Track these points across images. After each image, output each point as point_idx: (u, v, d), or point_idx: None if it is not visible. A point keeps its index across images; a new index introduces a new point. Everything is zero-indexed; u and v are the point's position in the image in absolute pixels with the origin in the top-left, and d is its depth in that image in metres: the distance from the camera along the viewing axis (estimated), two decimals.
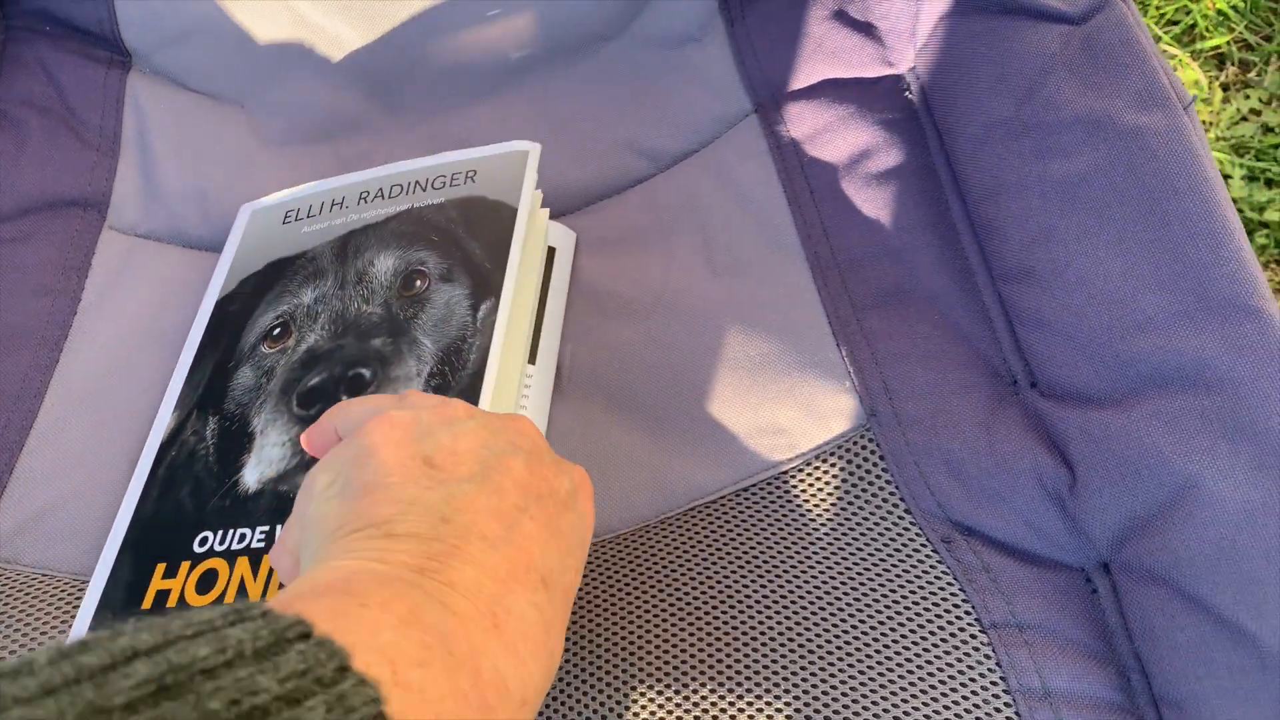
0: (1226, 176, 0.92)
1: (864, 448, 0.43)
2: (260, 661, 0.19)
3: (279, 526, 0.41)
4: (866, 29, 0.52)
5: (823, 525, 0.42)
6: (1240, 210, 0.90)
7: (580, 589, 0.44)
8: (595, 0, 0.58)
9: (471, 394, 0.42)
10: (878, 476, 0.42)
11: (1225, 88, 0.98)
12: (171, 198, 0.58)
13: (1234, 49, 0.99)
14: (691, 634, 0.40)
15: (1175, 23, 1.01)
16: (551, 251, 0.53)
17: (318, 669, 0.20)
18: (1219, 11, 1.00)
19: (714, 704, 0.38)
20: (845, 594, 0.40)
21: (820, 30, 0.54)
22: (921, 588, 0.39)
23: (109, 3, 0.59)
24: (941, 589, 0.39)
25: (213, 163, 0.59)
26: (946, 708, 0.36)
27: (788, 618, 0.40)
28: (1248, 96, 0.96)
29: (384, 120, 0.60)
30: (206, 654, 0.19)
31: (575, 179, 0.57)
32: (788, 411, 0.45)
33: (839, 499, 0.43)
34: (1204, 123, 0.96)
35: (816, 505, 0.43)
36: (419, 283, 0.47)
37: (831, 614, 0.39)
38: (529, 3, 0.59)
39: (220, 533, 0.42)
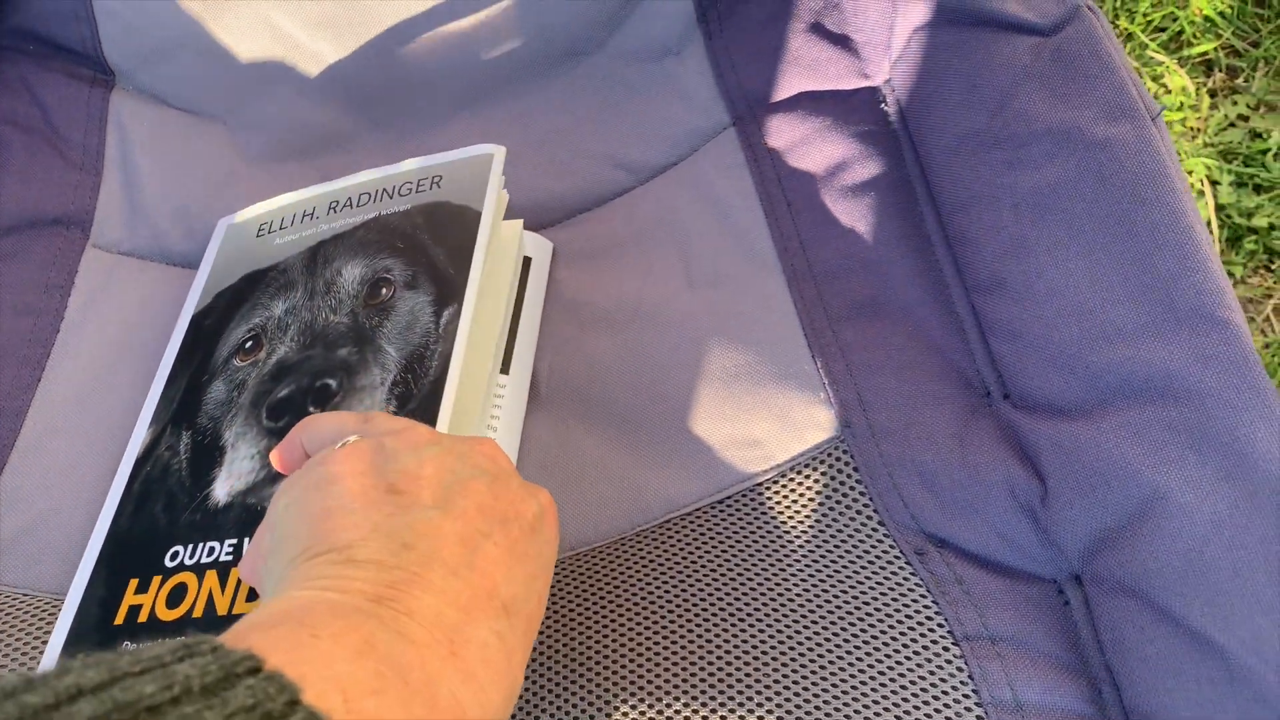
0: (1214, 182, 0.92)
1: (838, 459, 0.43)
2: (208, 698, 0.19)
3: (247, 540, 0.41)
4: (843, 41, 0.52)
5: (798, 537, 0.42)
6: (1229, 216, 0.90)
7: (554, 602, 0.44)
8: (575, 15, 0.58)
9: (433, 401, 0.42)
10: (851, 488, 0.42)
11: (1213, 94, 0.98)
12: (154, 215, 0.58)
13: (1221, 55, 0.99)
14: (666, 647, 0.40)
15: (1163, 29, 1.01)
16: (527, 262, 0.53)
17: (267, 703, 0.20)
18: (1206, 18, 1.00)
19: (688, 717, 0.38)
20: (820, 605, 0.40)
21: (797, 43, 0.54)
22: (895, 599, 0.39)
23: (91, 21, 0.60)
24: (914, 600, 0.39)
25: (195, 179, 0.59)
26: None
27: (763, 630, 0.40)
28: (1235, 103, 0.96)
29: (366, 135, 0.61)
30: (153, 691, 0.19)
31: (555, 192, 0.57)
32: (763, 423, 0.45)
33: (814, 510, 0.43)
34: (1191, 129, 0.96)
35: (792, 517, 0.43)
36: (384, 290, 0.47)
37: (806, 625, 0.39)
38: (509, 17, 0.59)
39: (190, 546, 0.42)
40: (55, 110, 0.59)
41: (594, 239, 0.55)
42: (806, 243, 0.49)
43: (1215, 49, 0.99)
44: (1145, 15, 1.01)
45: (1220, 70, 0.99)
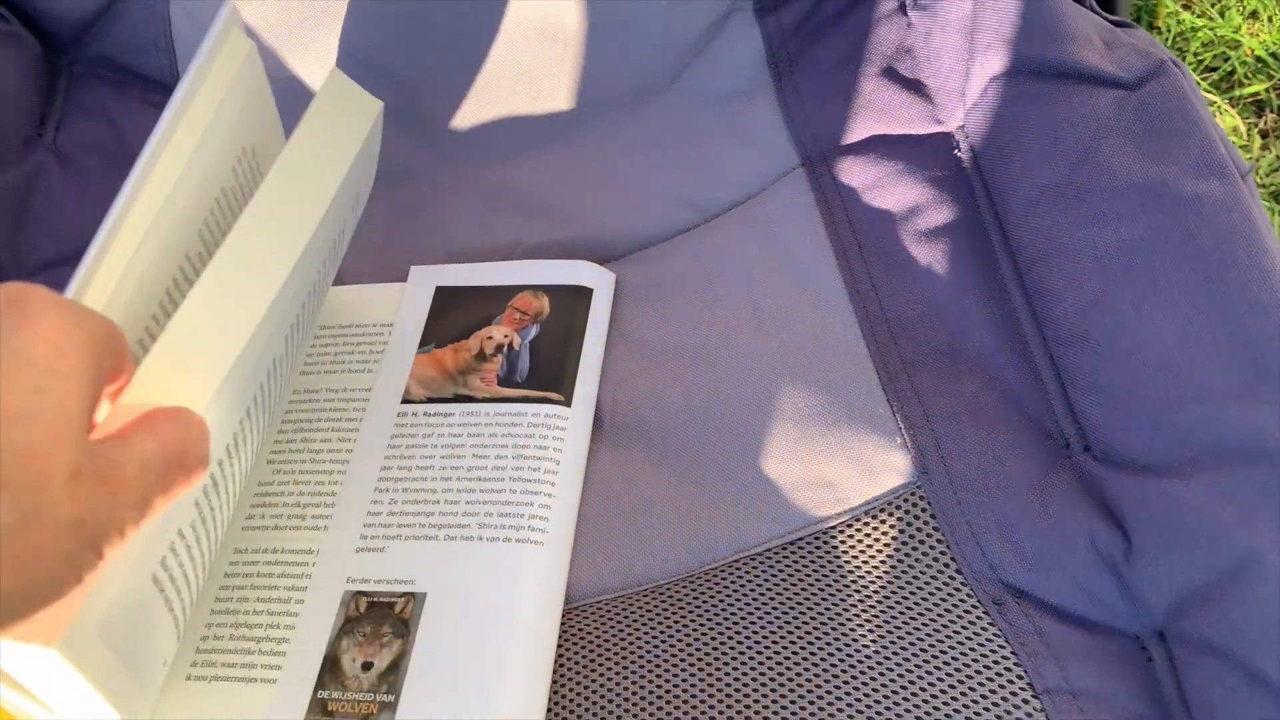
0: None
1: (915, 505, 0.43)
2: None
3: None
4: (915, 86, 0.53)
5: (872, 582, 0.43)
6: None
7: (619, 637, 0.44)
8: (644, 54, 0.59)
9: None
10: (928, 535, 0.43)
11: (1264, 134, 0.98)
12: None
13: (1273, 96, 0.99)
14: (731, 688, 0.40)
15: (1213, 69, 1.01)
16: (588, 293, 0.54)
17: None
18: (1258, 58, 1.00)
19: None
20: (894, 653, 0.40)
21: (869, 87, 0.54)
22: (972, 650, 0.39)
23: (170, 52, 0.61)
24: (993, 651, 0.39)
25: None
26: None
27: (834, 675, 0.40)
28: None
29: (436, 169, 0.61)
30: None
31: (619, 227, 0.57)
32: (837, 465, 0.45)
33: (889, 556, 0.43)
34: None
35: (866, 561, 0.43)
36: None
37: (880, 674, 0.40)
38: (580, 55, 0.60)
39: None
40: (133, 136, 0.61)
41: (659, 275, 0.55)
42: (879, 286, 0.50)
43: (1267, 89, 0.99)
44: (1196, 54, 1.01)
45: (1272, 111, 0.99)
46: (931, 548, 0.42)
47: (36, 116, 0.60)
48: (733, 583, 0.45)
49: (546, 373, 0.51)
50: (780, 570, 0.44)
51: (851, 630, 0.41)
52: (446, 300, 0.55)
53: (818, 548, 0.44)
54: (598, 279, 0.54)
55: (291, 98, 0.61)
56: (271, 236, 0.38)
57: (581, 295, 0.53)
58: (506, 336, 0.53)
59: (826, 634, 0.42)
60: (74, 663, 0.29)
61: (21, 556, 0.22)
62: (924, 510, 0.43)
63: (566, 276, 0.55)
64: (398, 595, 0.45)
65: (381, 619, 0.44)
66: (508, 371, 0.51)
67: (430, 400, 0.51)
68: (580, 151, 0.60)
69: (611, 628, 0.45)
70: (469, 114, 0.62)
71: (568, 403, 0.50)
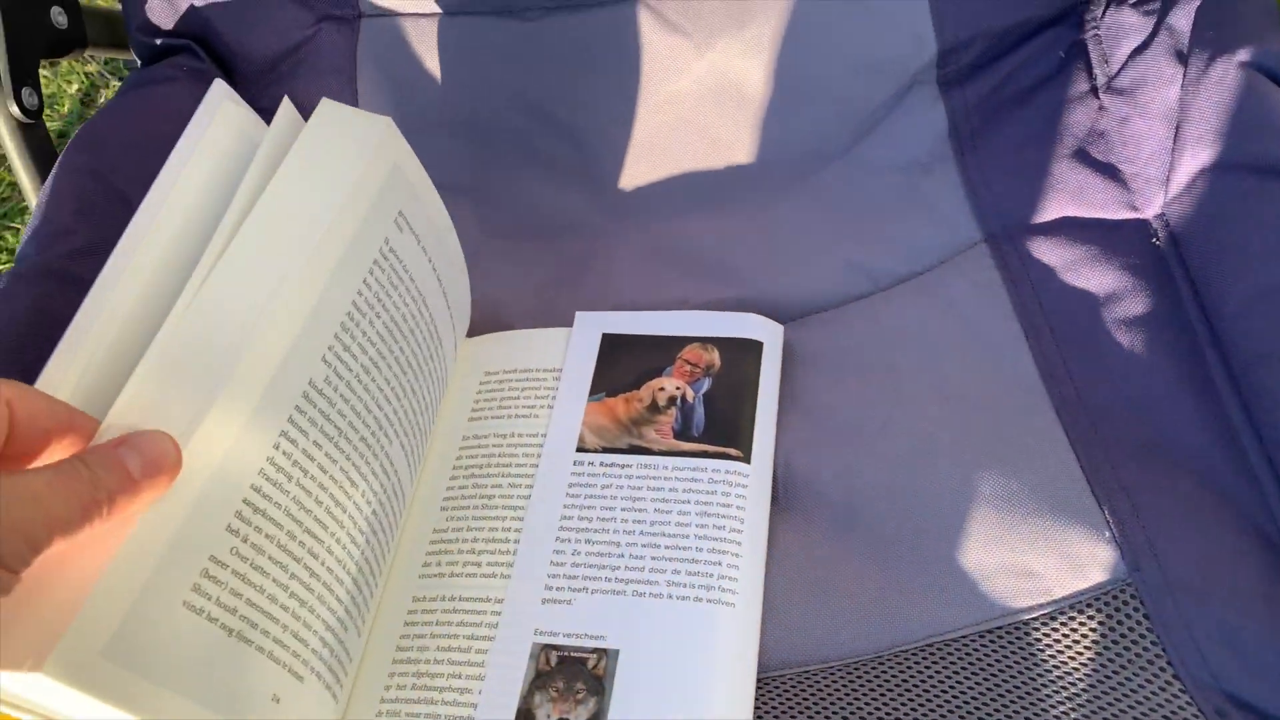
0: None
1: (1125, 604, 0.43)
2: None
3: None
4: (1109, 171, 0.53)
5: (1078, 680, 0.42)
6: None
7: (806, 714, 0.44)
8: (822, 120, 0.60)
9: None
10: (1141, 636, 0.42)
11: None
12: None
13: None
14: None
15: None
16: (757, 346, 0.54)
17: None
18: None
19: None
20: None
21: (1060, 168, 0.54)
22: None
23: (352, 95, 0.62)
24: None
25: None
26: None
27: None
28: None
29: (606, 224, 0.62)
30: None
31: (791, 290, 0.57)
32: (1039, 555, 0.45)
33: (1096, 655, 0.43)
34: None
35: (1072, 658, 0.43)
36: None
37: None
38: (755, 118, 0.60)
39: None
40: None
41: (832, 341, 0.55)
42: (1074, 373, 0.49)
43: None
44: None
45: None
46: (1144, 650, 0.42)
47: None
48: (927, 667, 0.45)
49: (722, 427, 0.51)
50: (977, 658, 0.44)
51: None
52: (614, 348, 0.55)
53: (1018, 638, 0.44)
54: (767, 333, 0.54)
55: (476, 132, 0.61)
56: (266, 253, 0.38)
57: (751, 349, 0.53)
58: (679, 389, 0.53)
59: None
60: (73, 684, 0.29)
61: None
62: (1136, 609, 0.43)
63: (735, 329, 0.55)
64: (589, 651, 0.45)
65: (574, 675, 0.44)
66: (683, 424, 0.52)
67: (605, 450, 0.51)
68: (752, 212, 0.60)
69: (798, 703, 0.45)
70: (640, 168, 0.62)
71: (747, 459, 0.50)
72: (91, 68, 1.15)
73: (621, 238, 0.61)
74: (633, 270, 0.60)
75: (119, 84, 1.10)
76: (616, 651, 0.45)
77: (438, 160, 0.63)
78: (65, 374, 0.34)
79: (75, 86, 1.14)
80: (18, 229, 1.09)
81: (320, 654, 0.40)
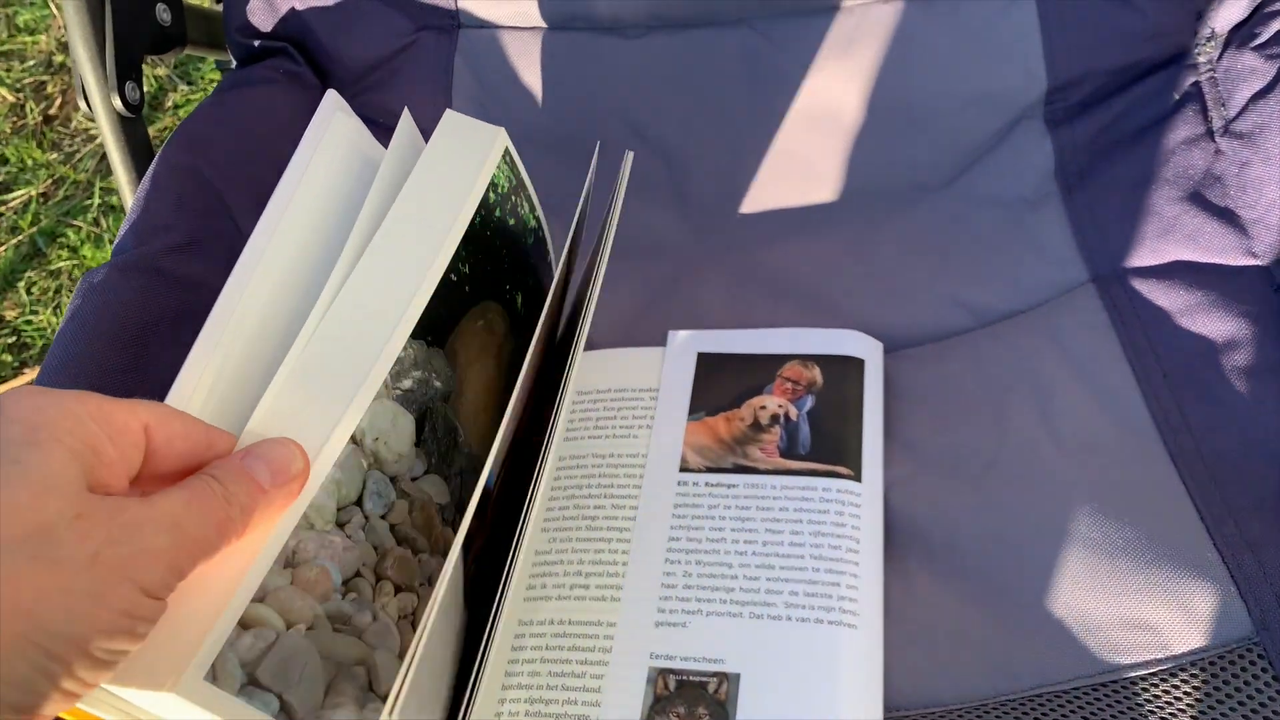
0: None
1: (1252, 663, 0.41)
2: None
3: None
4: (1226, 215, 0.52)
5: None
6: None
7: None
8: (926, 153, 0.59)
9: None
10: (1271, 699, 0.40)
11: None
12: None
13: None
14: None
15: None
16: (859, 364, 0.52)
17: None
18: None
19: None
20: None
21: (1173, 210, 0.53)
22: None
23: (447, 105, 0.61)
24: None
25: None
26: None
27: None
28: None
29: (694, 246, 0.61)
30: None
31: (887, 322, 0.56)
32: (1157, 608, 0.43)
33: (1223, 714, 0.41)
34: None
35: (1195, 717, 0.41)
36: None
37: None
38: (855, 146, 0.60)
39: None
40: None
41: (932, 376, 0.54)
42: (1191, 420, 0.48)
43: None
44: None
45: None
46: (1276, 712, 0.40)
47: None
48: (1035, 718, 0.43)
49: (829, 445, 0.50)
50: (1089, 713, 0.42)
51: None
52: (710, 367, 0.54)
53: (1134, 694, 0.42)
54: (868, 350, 0.53)
55: (570, 149, 0.61)
56: (399, 263, 0.37)
57: (852, 366, 0.52)
58: (781, 407, 0.52)
59: None
60: (204, 704, 0.28)
61: (19, 601, 0.24)
62: (1264, 670, 0.41)
63: (835, 346, 0.53)
64: (708, 675, 0.44)
65: (695, 699, 0.43)
66: (788, 443, 0.50)
67: (709, 470, 0.50)
68: (849, 241, 0.59)
69: None
70: (733, 192, 0.61)
71: (858, 477, 0.48)
72: (160, 71, 1.16)
73: (712, 261, 0.60)
74: (722, 294, 0.59)
75: (187, 88, 1.11)
76: (738, 675, 0.43)
77: (530, 175, 0.62)
78: (195, 386, 0.33)
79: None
80: (80, 226, 1.09)
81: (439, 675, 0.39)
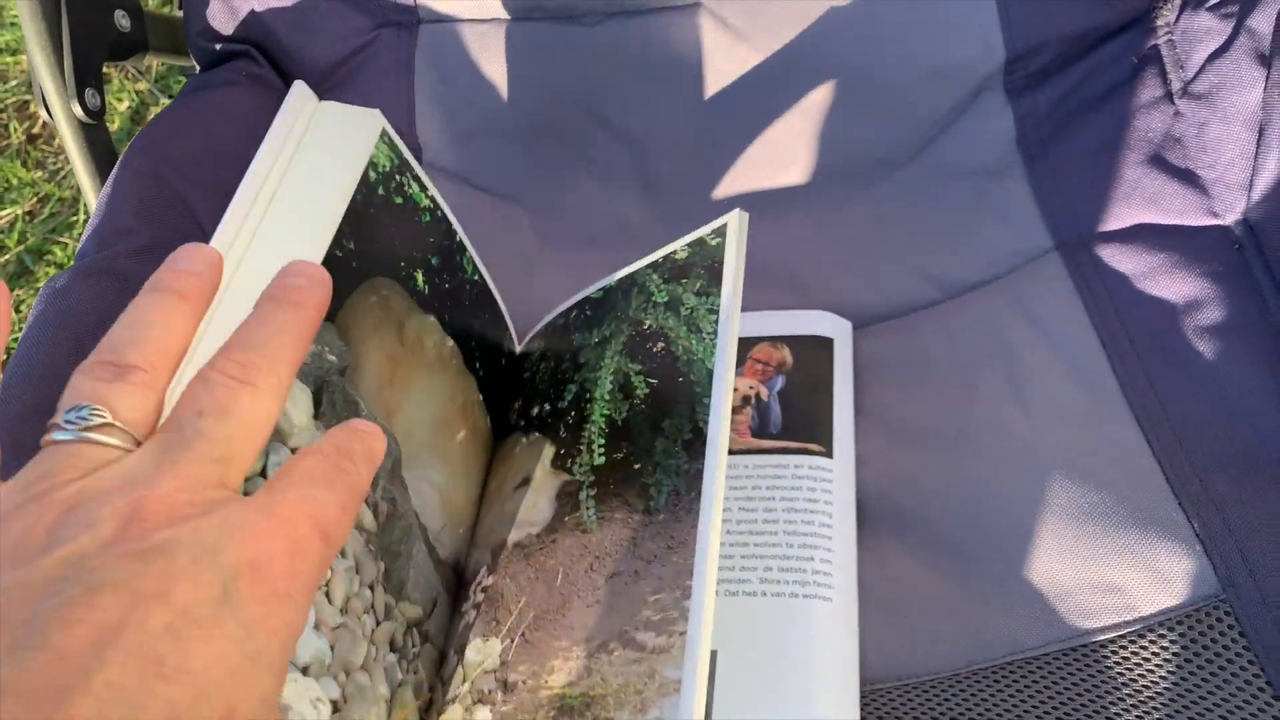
0: None
1: (1219, 620, 0.41)
2: None
3: None
4: (1187, 177, 0.51)
5: (1167, 701, 0.40)
6: None
7: None
8: (887, 127, 0.59)
9: None
10: (1238, 655, 0.40)
11: None
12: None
13: None
14: None
15: None
16: (828, 343, 0.52)
17: None
18: None
19: None
20: None
21: (1134, 174, 0.53)
22: None
23: (409, 101, 0.62)
24: None
25: (498, 263, 0.60)
26: None
27: None
28: None
29: (660, 230, 0.61)
30: None
31: (857, 299, 0.56)
32: (1125, 570, 0.43)
33: (1188, 674, 0.40)
34: None
35: (1161, 678, 0.41)
36: None
37: None
38: (817, 124, 0.59)
39: None
40: None
41: (901, 350, 0.54)
42: (1156, 382, 0.48)
43: None
44: None
45: None
46: (1241, 670, 0.40)
47: None
48: (1007, 686, 0.43)
49: (801, 424, 0.50)
50: (1060, 677, 0.42)
51: None
52: None
53: (1103, 657, 0.42)
54: (837, 330, 0.53)
55: (533, 138, 0.61)
56: (285, 246, 0.37)
57: (822, 346, 0.52)
58: (752, 388, 0.52)
59: None
60: None
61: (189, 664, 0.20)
62: (1230, 627, 0.41)
63: (803, 327, 0.54)
64: None
65: None
66: (760, 423, 0.50)
67: None
68: (815, 220, 0.59)
69: None
70: (697, 176, 0.61)
71: (829, 453, 0.48)
72: (142, 85, 1.16)
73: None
74: None
75: (169, 102, 1.11)
76: (715, 652, 0.43)
77: (494, 167, 0.63)
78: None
79: (126, 104, 1.15)
80: (66, 243, 1.10)
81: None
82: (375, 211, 0.42)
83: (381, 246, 0.42)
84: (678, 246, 0.49)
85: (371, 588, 0.38)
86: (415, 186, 0.46)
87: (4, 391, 0.44)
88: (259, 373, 0.26)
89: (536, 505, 0.46)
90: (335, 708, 0.35)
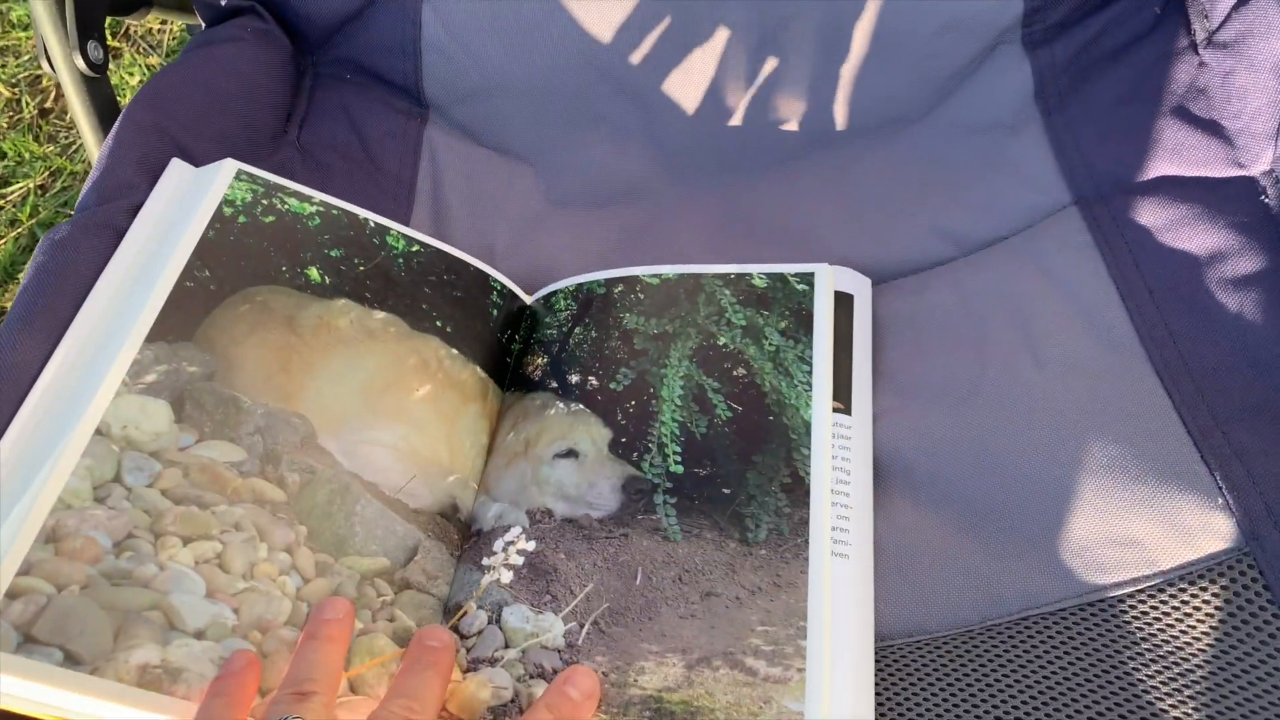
0: None
1: (1242, 574, 0.40)
2: None
3: None
4: (1211, 127, 0.50)
5: (1190, 655, 0.39)
6: None
7: (890, 691, 0.42)
8: (900, 83, 0.57)
9: None
10: (1261, 609, 0.39)
11: None
12: (459, 251, 0.58)
13: None
14: None
15: None
16: (848, 299, 0.51)
17: None
18: None
19: None
20: None
21: (1156, 125, 0.51)
22: None
23: (416, 56, 0.61)
24: None
25: (501, 220, 0.59)
26: None
27: None
28: None
29: (669, 189, 0.60)
30: None
31: (869, 256, 0.55)
32: (1144, 524, 0.42)
33: (1211, 629, 0.39)
34: None
35: (1182, 632, 0.40)
36: None
37: None
38: (829, 80, 0.58)
39: None
40: (373, 140, 0.60)
41: (914, 308, 0.53)
42: (1176, 334, 0.46)
43: None
44: None
45: None
46: (1266, 623, 0.39)
47: (284, 113, 0.60)
48: (1022, 642, 0.42)
49: None
50: (1077, 633, 0.41)
51: (1169, 707, 0.38)
52: None
53: (1122, 612, 0.41)
54: (856, 285, 0.52)
55: (540, 94, 0.60)
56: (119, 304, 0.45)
57: (841, 302, 0.51)
58: None
59: (1138, 709, 0.38)
60: None
61: None
62: (1254, 580, 0.39)
63: None
64: None
65: None
66: None
67: None
68: (826, 175, 0.58)
69: (884, 680, 0.42)
70: (705, 131, 0.60)
71: (848, 410, 0.47)
72: (154, 59, 1.16)
73: (685, 203, 0.59)
74: (697, 237, 0.58)
75: None
76: None
77: (501, 125, 0.62)
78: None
79: (137, 79, 1.15)
80: None
81: None
82: (235, 238, 0.48)
83: (250, 263, 0.48)
84: (754, 271, 0.51)
85: (290, 551, 0.42)
86: (292, 201, 0.50)
87: (3, 340, 0.44)
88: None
89: (595, 487, 0.46)
90: None
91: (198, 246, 0.46)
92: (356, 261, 0.50)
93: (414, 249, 0.52)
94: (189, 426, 0.43)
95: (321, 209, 0.51)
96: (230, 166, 0.50)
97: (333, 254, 0.50)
